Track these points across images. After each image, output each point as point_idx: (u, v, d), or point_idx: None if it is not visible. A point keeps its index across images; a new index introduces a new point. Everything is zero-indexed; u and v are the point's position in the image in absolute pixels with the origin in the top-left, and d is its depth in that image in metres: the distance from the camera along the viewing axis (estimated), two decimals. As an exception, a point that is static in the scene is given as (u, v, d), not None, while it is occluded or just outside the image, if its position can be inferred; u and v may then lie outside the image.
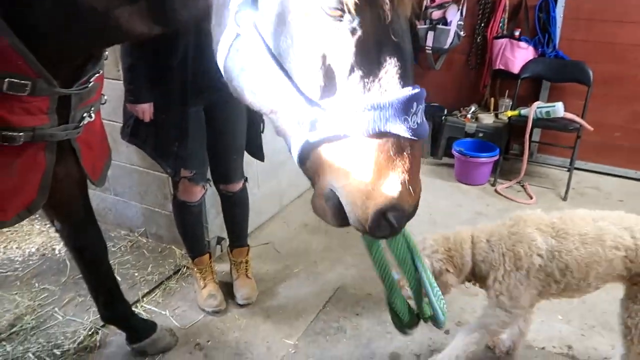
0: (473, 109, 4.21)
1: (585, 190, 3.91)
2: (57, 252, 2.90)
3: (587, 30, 3.91)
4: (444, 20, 4.05)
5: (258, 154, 2.39)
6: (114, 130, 2.80)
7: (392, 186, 0.92)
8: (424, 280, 1.31)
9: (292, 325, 2.39)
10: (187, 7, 1.14)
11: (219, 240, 2.88)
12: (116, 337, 2.26)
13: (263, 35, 0.93)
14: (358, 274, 2.78)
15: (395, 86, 0.90)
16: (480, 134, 4.06)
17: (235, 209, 2.52)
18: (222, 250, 2.92)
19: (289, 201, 3.53)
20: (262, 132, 2.36)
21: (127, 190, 3.00)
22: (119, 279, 2.64)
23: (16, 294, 2.53)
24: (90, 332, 2.28)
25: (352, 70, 0.89)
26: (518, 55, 3.97)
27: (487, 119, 4.11)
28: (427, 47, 4.12)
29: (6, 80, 1.19)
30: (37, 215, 3.16)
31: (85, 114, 1.52)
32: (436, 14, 4.06)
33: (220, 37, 1.01)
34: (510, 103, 4.08)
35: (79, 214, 1.86)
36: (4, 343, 2.20)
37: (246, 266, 2.62)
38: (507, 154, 4.17)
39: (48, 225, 3.12)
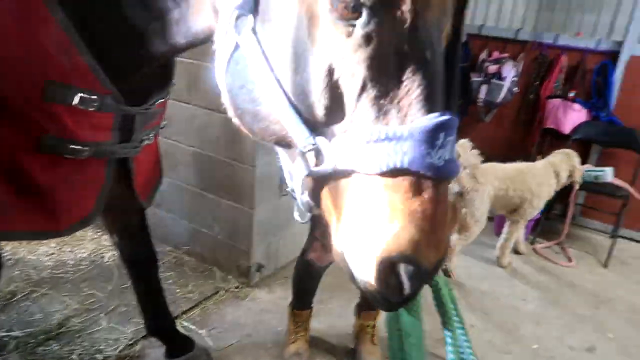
0: (519, 164, 4.23)
1: (628, 259, 3.83)
2: (106, 259, 3.04)
3: (644, 98, 3.90)
4: (498, 75, 4.12)
5: None
6: (177, 149, 2.98)
7: (406, 233, 0.72)
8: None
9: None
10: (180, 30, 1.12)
11: (259, 267, 2.97)
12: (154, 350, 2.35)
13: (262, 44, 0.79)
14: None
15: (418, 111, 0.71)
16: (524, 190, 4.06)
17: None
18: (260, 278, 3.00)
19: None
20: None
21: (179, 208, 3.14)
22: (161, 293, 2.78)
23: (66, 295, 2.66)
24: (130, 342, 2.37)
25: (363, 89, 0.73)
26: (570, 117, 3.99)
27: (533, 176, 4.14)
28: (479, 100, 4.19)
29: (78, 95, 1.22)
30: (91, 221, 3.33)
31: (145, 137, 1.58)
32: (492, 68, 4.13)
33: (219, 49, 0.88)
34: (558, 163, 4.07)
35: (134, 229, 1.97)
36: (51, 342, 2.31)
37: (372, 331, 2.43)
38: (548, 213, 4.13)
39: (100, 233, 3.28)
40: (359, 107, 0.74)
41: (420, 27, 0.71)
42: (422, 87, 0.72)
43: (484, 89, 4.13)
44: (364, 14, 0.69)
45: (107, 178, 1.53)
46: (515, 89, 4.14)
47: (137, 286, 2.10)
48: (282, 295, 2.92)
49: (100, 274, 2.90)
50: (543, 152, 4.26)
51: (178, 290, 2.84)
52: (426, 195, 0.72)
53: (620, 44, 3.88)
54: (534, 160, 4.23)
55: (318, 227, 2.10)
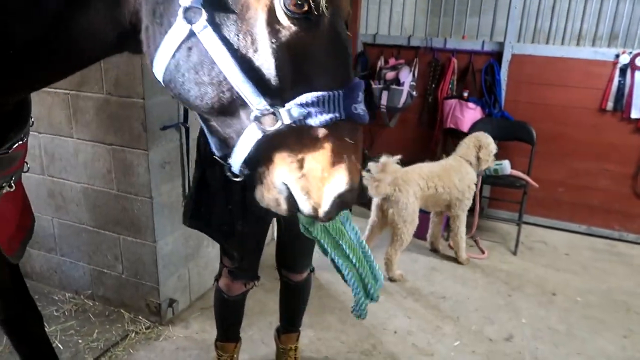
0: (426, 165, 4.35)
1: (534, 244, 4.06)
2: (-7, 318, 2.70)
3: (528, 93, 4.18)
4: (397, 81, 4.23)
5: None
6: (64, 188, 2.73)
7: (347, 170, 0.98)
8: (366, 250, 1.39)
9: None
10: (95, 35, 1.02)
11: (171, 302, 2.78)
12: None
13: (221, 32, 0.91)
14: (315, 335, 2.73)
15: (344, 77, 0.98)
16: (433, 190, 4.18)
17: (294, 298, 2.29)
18: (173, 314, 2.81)
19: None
20: None
21: (75, 250, 2.87)
22: (60, 347, 2.53)
23: (-56, 367, 2.33)
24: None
25: (309, 68, 0.94)
26: (467, 115, 4.18)
27: (440, 175, 4.28)
28: (381, 106, 4.27)
29: None
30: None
31: (4, 184, 1.42)
32: (390, 75, 4.24)
33: (162, 38, 0.96)
34: (461, 160, 4.24)
35: (6, 286, 1.73)
36: None
37: (295, 354, 2.38)
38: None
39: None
40: (304, 78, 0.94)
41: (339, 21, 0.97)
42: (343, 61, 0.99)
43: (384, 95, 4.22)
44: (307, 9, 0.90)
45: None
46: (415, 93, 4.27)
47: (20, 350, 1.86)
48: (199, 329, 2.76)
49: (-14, 337, 2.57)
50: (447, 151, 4.45)
51: (81, 341, 2.59)
52: (356, 137, 1.00)
53: (501, 44, 4.14)
54: (439, 158, 4.41)
55: (226, 254, 2.00)
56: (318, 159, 0.97)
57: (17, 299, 1.75)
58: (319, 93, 0.94)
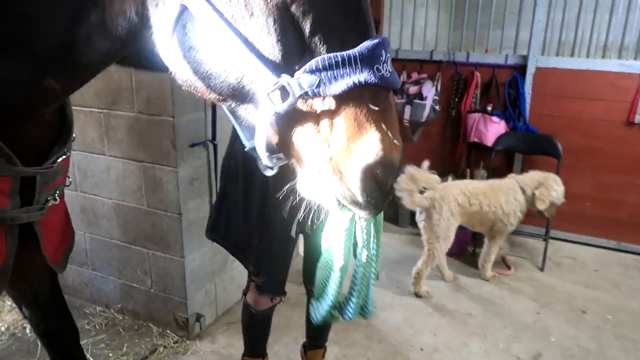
0: (450, 179, 4.31)
1: (562, 260, 3.99)
2: (28, 331, 2.78)
3: (553, 106, 4.14)
4: (420, 95, 4.24)
5: None
6: (96, 203, 2.81)
7: (376, 139, 0.82)
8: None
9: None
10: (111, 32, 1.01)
11: (198, 317, 2.82)
12: None
13: (212, 1, 0.83)
14: (340, 351, 2.73)
15: (362, 36, 0.84)
16: (458, 204, 4.15)
17: None
18: (200, 328, 2.85)
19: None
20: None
21: (105, 264, 2.94)
22: (91, 360, 2.57)
23: (-19, 379, 2.40)
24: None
25: (315, 29, 0.82)
26: (491, 129, 4.15)
27: (464, 189, 4.25)
28: (405, 120, 4.28)
29: None
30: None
31: (49, 197, 1.46)
32: (413, 90, 4.25)
33: (160, 18, 0.90)
34: (486, 174, 4.21)
35: (46, 299, 1.79)
36: None
37: None
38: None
39: (19, 301, 3.01)
40: (314, 44, 0.83)
41: None
42: (357, 15, 0.85)
43: (407, 109, 4.23)
44: None
45: (9, 247, 1.39)
46: (438, 107, 4.27)
47: (57, 361, 1.91)
48: (225, 344, 2.79)
49: (22, 348, 2.65)
50: (471, 166, 4.43)
51: (111, 355, 2.64)
52: (383, 103, 0.85)
53: (525, 57, 4.11)
54: (463, 172, 4.39)
55: (252, 267, 2.01)
56: (343, 132, 0.83)
57: (56, 312, 1.81)
58: (329, 55, 0.81)
